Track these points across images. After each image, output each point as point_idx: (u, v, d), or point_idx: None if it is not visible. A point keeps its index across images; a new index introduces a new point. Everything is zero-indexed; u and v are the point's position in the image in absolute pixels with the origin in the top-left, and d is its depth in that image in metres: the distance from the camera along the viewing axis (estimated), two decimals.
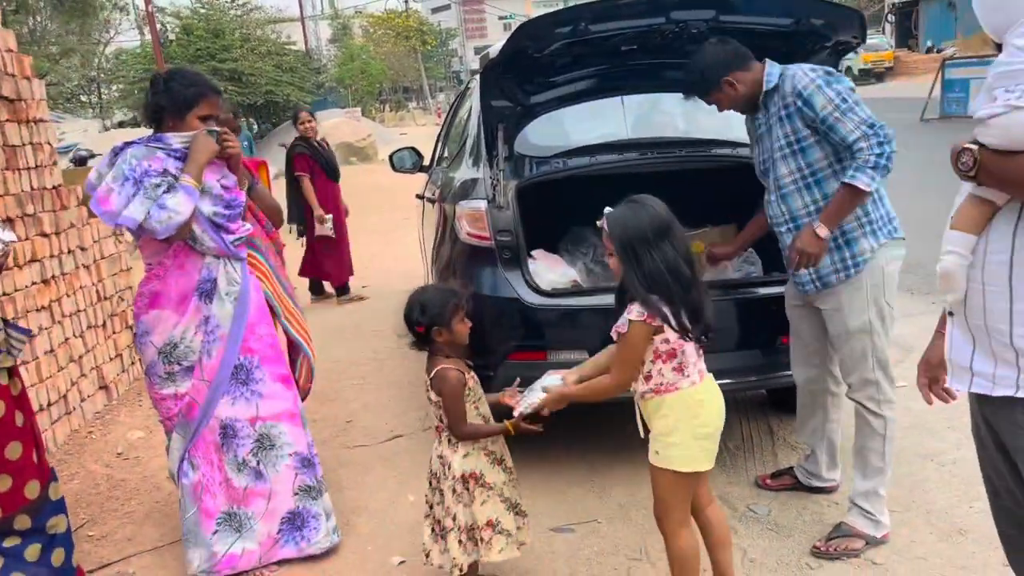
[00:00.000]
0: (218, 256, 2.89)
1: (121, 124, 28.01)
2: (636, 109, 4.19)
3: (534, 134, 3.90)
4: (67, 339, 4.62)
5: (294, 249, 6.66)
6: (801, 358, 3.15)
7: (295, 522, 3.05)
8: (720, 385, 2.41)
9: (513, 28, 3.57)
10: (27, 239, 4.29)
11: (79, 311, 4.81)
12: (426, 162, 5.95)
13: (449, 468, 2.58)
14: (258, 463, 2.98)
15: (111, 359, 5.18)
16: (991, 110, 1.58)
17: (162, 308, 2.87)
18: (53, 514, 2.69)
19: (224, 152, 2.89)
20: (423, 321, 2.55)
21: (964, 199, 1.71)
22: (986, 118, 1.59)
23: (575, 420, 4.06)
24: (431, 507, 2.68)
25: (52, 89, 23.97)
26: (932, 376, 1.99)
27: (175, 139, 2.83)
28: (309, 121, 7.27)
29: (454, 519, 2.57)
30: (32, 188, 4.43)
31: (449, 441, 2.61)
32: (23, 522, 2.59)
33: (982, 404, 1.80)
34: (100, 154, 16.17)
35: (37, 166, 4.53)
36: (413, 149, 6.08)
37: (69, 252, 4.76)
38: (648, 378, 2.31)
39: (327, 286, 7.70)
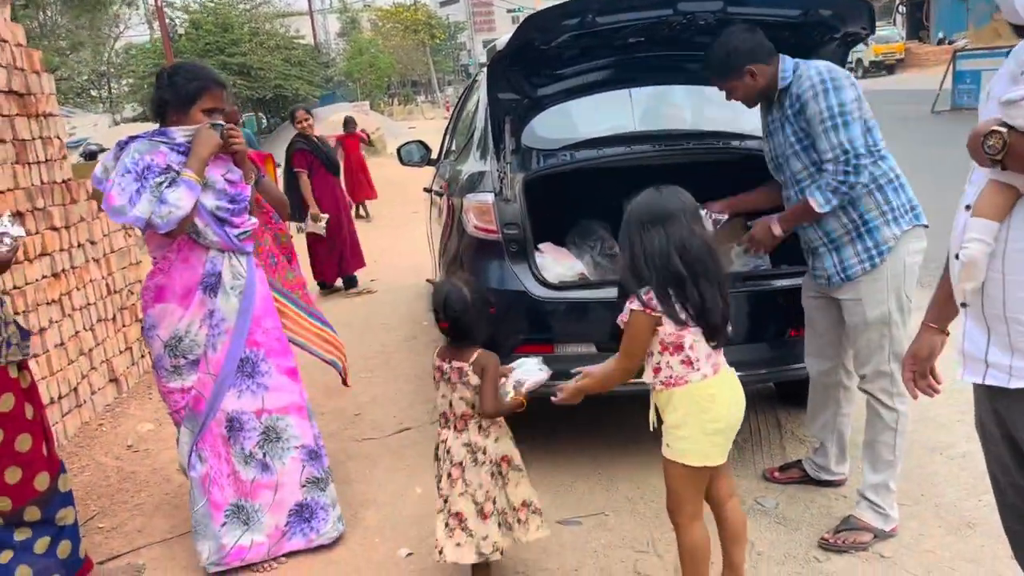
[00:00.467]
0: (223, 250, 2.89)
1: (134, 119, 28.08)
2: (644, 101, 4.17)
3: (541, 127, 3.89)
4: (77, 332, 4.65)
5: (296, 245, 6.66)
6: (815, 350, 3.13)
7: (303, 514, 3.06)
8: None
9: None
10: (37, 233, 4.31)
11: (89, 304, 4.83)
12: (434, 155, 5.95)
13: (485, 453, 2.60)
14: (264, 455, 2.99)
15: (121, 352, 5.21)
16: (1019, 92, 1.54)
17: (167, 302, 2.88)
18: (62, 506, 2.71)
19: (229, 146, 2.89)
20: (471, 315, 2.59)
21: (986, 185, 1.67)
22: (1018, 99, 1.54)
23: (582, 414, 4.07)
24: (446, 500, 2.63)
25: (62, 84, 24.06)
26: (919, 370, 1.99)
27: (178, 133, 2.83)
28: (306, 119, 7.38)
29: (494, 503, 2.60)
30: (42, 182, 4.46)
31: (480, 427, 2.62)
32: (33, 514, 2.62)
33: (994, 397, 1.77)
34: (110, 148, 16.28)
35: (47, 160, 4.55)
36: (421, 142, 6.08)
37: (79, 246, 4.78)
38: (657, 370, 2.30)
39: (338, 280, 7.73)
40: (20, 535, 2.62)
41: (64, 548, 2.72)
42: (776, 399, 4.16)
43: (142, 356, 5.52)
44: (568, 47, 3.48)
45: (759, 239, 3.02)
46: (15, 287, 4.02)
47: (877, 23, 3.32)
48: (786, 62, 2.87)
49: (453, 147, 5.28)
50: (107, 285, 5.11)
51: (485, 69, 3.91)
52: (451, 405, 2.64)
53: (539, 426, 4.02)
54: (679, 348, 2.25)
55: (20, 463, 2.55)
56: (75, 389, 4.54)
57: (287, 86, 26.99)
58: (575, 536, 3.10)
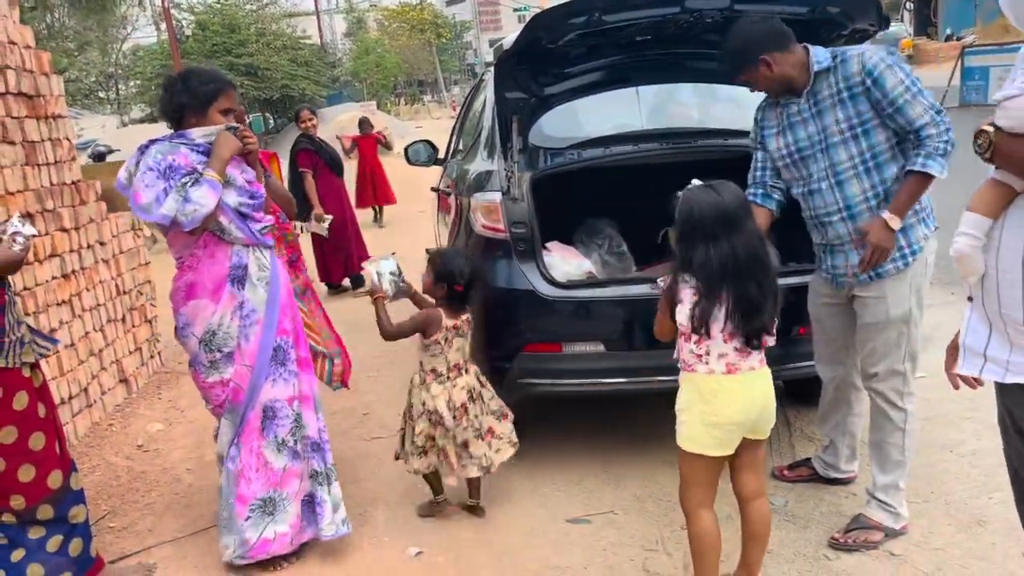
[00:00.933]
0: (246, 244, 2.95)
1: (142, 120, 28.20)
2: (651, 100, 4.17)
3: (548, 125, 3.89)
4: (87, 333, 4.67)
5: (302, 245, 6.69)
6: (827, 355, 3.09)
7: (311, 504, 3.10)
8: None
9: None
10: (47, 234, 4.33)
11: (99, 305, 4.86)
12: (441, 155, 5.95)
13: (476, 391, 3.17)
14: (295, 443, 3.04)
15: (130, 353, 5.23)
16: (1005, 92, 1.59)
17: (199, 298, 2.93)
18: (74, 504, 2.73)
19: (243, 147, 2.94)
20: (467, 279, 3.10)
21: (985, 181, 1.71)
22: (1002, 100, 1.60)
23: (591, 413, 4.07)
24: (454, 437, 3.11)
25: (70, 86, 24.18)
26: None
27: (196, 134, 2.89)
28: (310, 119, 7.39)
29: (489, 430, 3.19)
30: (52, 184, 4.48)
31: (471, 372, 3.18)
32: (46, 512, 2.63)
33: (1003, 392, 1.79)
34: (118, 150, 16.32)
35: (56, 162, 4.57)
36: (428, 142, 6.08)
37: (88, 247, 4.80)
38: (680, 350, 2.40)
39: (346, 280, 7.74)
40: (34, 534, 2.64)
41: (76, 546, 2.74)
42: (785, 397, 4.14)
43: (151, 357, 5.54)
44: (575, 46, 3.48)
45: (880, 242, 2.63)
46: (26, 288, 4.04)
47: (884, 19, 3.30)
48: (818, 49, 2.76)
49: (460, 146, 5.29)
50: (116, 286, 5.13)
51: (492, 68, 3.92)
52: (447, 359, 3.10)
53: (548, 425, 4.03)
54: (690, 338, 2.33)
55: (34, 461, 2.57)
56: (85, 389, 4.57)
57: (294, 86, 27.05)
58: (584, 534, 3.11)
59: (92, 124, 26.25)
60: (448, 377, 3.12)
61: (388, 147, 12.07)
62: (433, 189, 5.85)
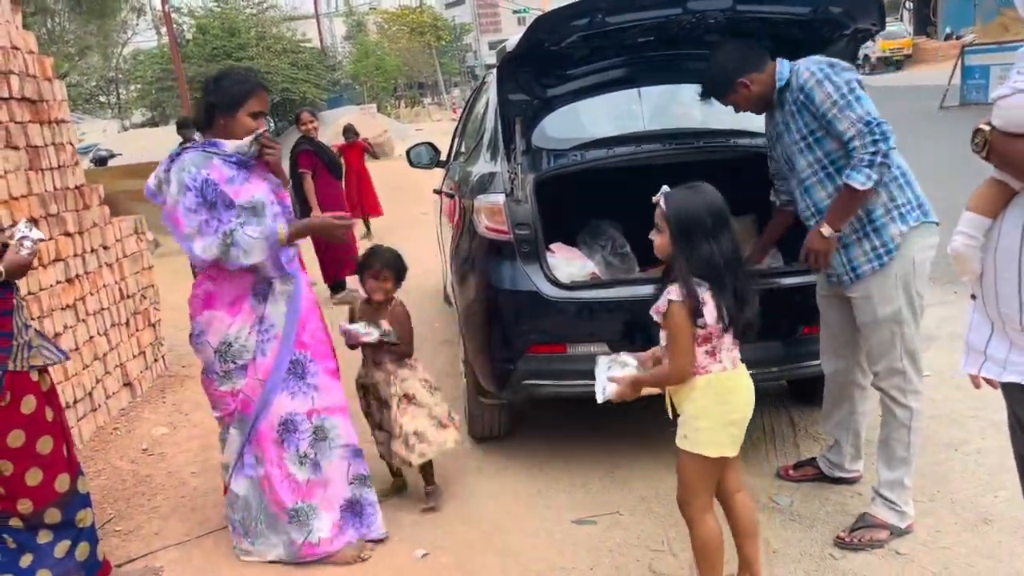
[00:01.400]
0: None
1: (143, 125, 28.25)
2: (653, 101, 4.17)
3: (551, 127, 3.89)
4: (91, 337, 4.68)
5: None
6: (830, 349, 3.13)
7: (354, 509, 3.11)
8: None
9: (527, 22, 3.57)
10: (51, 239, 4.34)
11: (103, 309, 4.86)
12: (443, 157, 5.96)
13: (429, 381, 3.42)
14: (316, 455, 3.04)
15: (134, 356, 5.24)
16: (1000, 91, 1.60)
17: (215, 309, 2.91)
18: (81, 507, 2.74)
19: (265, 155, 2.91)
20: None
21: (984, 181, 1.72)
22: (997, 99, 1.61)
23: (595, 414, 4.07)
24: (401, 426, 3.32)
25: (71, 90, 24.20)
26: None
27: (229, 145, 2.84)
28: (311, 122, 7.44)
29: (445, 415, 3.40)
30: (55, 188, 4.49)
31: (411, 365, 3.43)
32: (53, 516, 2.64)
33: (1007, 391, 1.79)
34: (120, 154, 16.34)
35: (60, 166, 4.58)
36: (430, 144, 6.09)
37: (92, 251, 4.81)
38: None
39: (349, 281, 7.74)
40: (42, 538, 2.65)
41: (83, 550, 2.75)
42: (789, 397, 4.15)
43: (155, 360, 5.55)
44: (577, 47, 3.48)
45: (816, 248, 2.82)
46: (30, 292, 4.05)
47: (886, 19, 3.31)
48: (782, 64, 2.90)
49: (463, 149, 5.29)
50: (120, 290, 5.14)
51: (494, 70, 3.92)
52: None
53: (553, 426, 4.04)
54: (707, 340, 2.30)
55: (41, 465, 2.58)
56: (90, 393, 4.57)
57: (294, 89, 27.05)
58: (590, 535, 3.11)
59: (93, 129, 26.35)
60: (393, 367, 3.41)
61: (375, 156, 11.76)
62: (436, 191, 5.86)
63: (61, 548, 2.68)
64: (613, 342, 3.34)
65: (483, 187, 3.64)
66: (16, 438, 2.51)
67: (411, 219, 11.19)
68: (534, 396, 3.56)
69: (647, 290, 3.28)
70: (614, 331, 3.34)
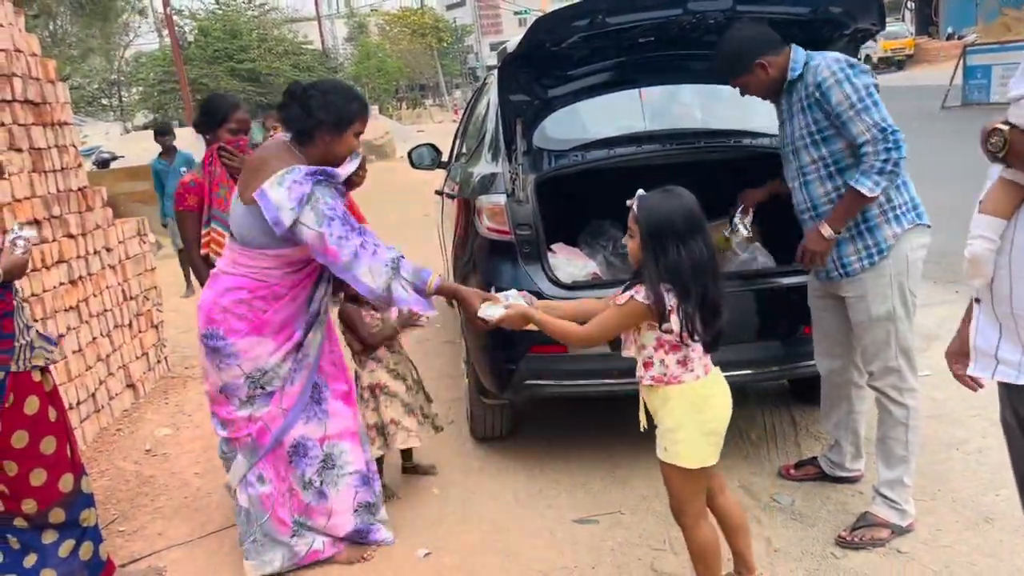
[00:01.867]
0: (318, 284, 2.86)
1: (145, 127, 28.27)
2: (654, 101, 4.18)
3: (552, 128, 3.90)
4: (94, 338, 4.69)
5: None
6: (825, 349, 3.13)
7: (357, 538, 3.08)
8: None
9: (528, 23, 3.57)
10: (54, 240, 4.35)
11: (106, 311, 4.88)
12: (444, 158, 5.97)
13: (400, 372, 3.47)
14: (321, 483, 2.96)
15: (137, 358, 5.25)
16: (1020, 89, 1.56)
17: (263, 335, 2.75)
18: (84, 507, 2.75)
19: (356, 180, 2.89)
20: None
21: (995, 182, 1.68)
22: (1019, 98, 1.56)
23: (596, 413, 4.07)
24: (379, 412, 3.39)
25: (73, 93, 24.11)
26: (959, 364, 1.98)
27: (342, 173, 2.72)
28: None
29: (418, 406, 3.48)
30: (58, 190, 4.50)
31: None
32: (57, 516, 2.65)
33: (1011, 393, 1.78)
34: (122, 156, 16.33)
35: (63, 168, 4.60)
36: (431, 146, 6.09)
37: (95, 253, 4.82)
38: (648, 365, 2.31)
39: None
40: (46, 538, 2.66)
41: (86, 550, 2.76)
42: (790, 396, 4.16)
43: (158, 362, 5.56)
44: (578, 48, 3.49)
45: (814, 248, 2.81)
46: (33, 294, 4.06)
47: (886, 19, 3.31)
48: (797, 53, 2.84)
49: (464, 149, 5.30)
50: (123, 291, 5.15)
51: (495, 71, 3.93)
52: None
53: (554, 426, 4.05)
54: (677, 348, 2.27)
55: (45, 465, 2.59)
56: (93, 395, 4.59)
57: None
58: (591, 534, 3.12)
59: (96, 131, 26.36)
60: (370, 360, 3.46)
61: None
62: (438, 192, 5.87)
63: (65, 548, 2.69)
64: (615, 341, 3.35)
65: (484, 187, 3.65)
66: (20, 439, 2.52)
67: (413, 221, 11.20)
68: (536, 396, 3.56)
69: None
70: None
